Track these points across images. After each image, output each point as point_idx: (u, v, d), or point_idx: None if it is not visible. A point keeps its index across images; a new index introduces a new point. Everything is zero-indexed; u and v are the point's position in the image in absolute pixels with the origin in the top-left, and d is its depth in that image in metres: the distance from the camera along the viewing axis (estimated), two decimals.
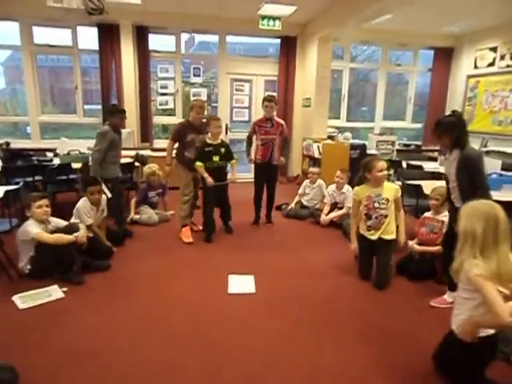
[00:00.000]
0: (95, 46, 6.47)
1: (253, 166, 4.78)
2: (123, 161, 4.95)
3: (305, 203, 5.33)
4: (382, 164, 3.17)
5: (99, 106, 6.69)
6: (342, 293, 3.15)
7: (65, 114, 7.04)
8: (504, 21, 6.62)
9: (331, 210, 4.96)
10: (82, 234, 3.26)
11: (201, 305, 2.87)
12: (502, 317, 1.62)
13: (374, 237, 3.25)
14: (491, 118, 7.09)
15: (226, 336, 2.49)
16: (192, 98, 7.13)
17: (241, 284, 3.21)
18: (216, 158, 4.07)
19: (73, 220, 3.48)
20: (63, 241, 3.06)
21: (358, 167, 6.76)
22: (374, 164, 3.15)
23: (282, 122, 4.64)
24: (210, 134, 4.10)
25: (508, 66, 6.73)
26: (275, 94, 7.47)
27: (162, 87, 7.05)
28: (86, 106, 6.88)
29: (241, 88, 7.45)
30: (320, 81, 6.79)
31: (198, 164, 3.99)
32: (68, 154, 5.17)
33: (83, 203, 3.56)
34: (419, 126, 8.48)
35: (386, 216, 3.20)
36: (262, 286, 3.21)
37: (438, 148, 7.87)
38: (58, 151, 5.36)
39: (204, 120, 4.18)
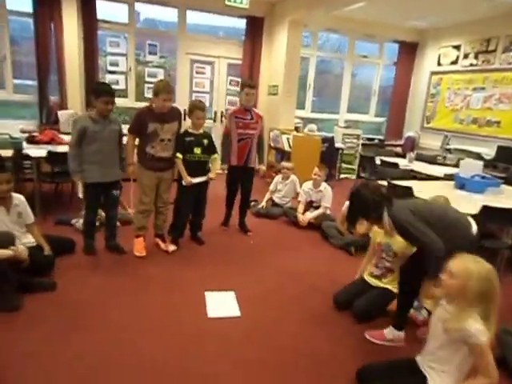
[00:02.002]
0: (29, 8, 5.42)
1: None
2: (61, 149, 4.17)
3: (276, 200, 4.90)
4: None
5: (34, 82, 5.67)
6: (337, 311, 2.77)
7: None
8: (468, 19, 6.63)
9: (306, 209, 4.58)
10: (21, 248, 2.51)
11: (175, 334, 2.33)
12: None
13: (372, 283, 2.87)
14: (453, 115, 7.14)
15: (211, 375, 1.99)
16: (148, 79, 6.35)
17: (221, 304, 2.70)
18: (198, 151, 3.38)
19: None
20: None
21: (326, 161, 6.70)
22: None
23: (261, 114, 3.98)
24: (191, 124, 3.41)
25: (472, 65, 6.77)
26: (239, 79, 6.92)
27: (111, 64, 6.16)
28: (15, 81, 5.81)
29: (201, 71, 6.77)
30: (289, 68, 6.34)
31: (178, 156, 3.32)
32: None
33: None
34: (382, 119, 8.40)
35: (390, 270, 2.80)
36: (246, 305, 2.73)
37: (400, 143, 7.89)
38: None
39: (171, 107, 3.28)
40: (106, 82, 6.11)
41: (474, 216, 3.11)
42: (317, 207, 4.56)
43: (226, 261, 3.46)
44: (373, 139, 7.99)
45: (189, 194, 3.48)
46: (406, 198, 3.67)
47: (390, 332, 2.44)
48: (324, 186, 4.53)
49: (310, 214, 4.47)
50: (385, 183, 4.06)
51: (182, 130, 3.42)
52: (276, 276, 3.27)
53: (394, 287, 2.70)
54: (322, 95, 8.93)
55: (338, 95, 7.95)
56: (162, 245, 3.54)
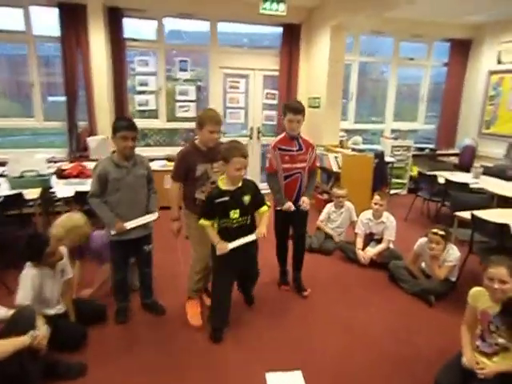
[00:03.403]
0: (56, 31, 5.11)
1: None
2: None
3: (329, 232, 4.31)
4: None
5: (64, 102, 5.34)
6: None
7: (18, 118, 5.60)
8: None
9: (365, 244, 3.97)
10: (42, 333, 2.06)
11: None
12: None
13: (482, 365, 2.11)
14: None
15: None
16: (179, 97, 5.92)
17: None
18: (235, 214, 2.44)
19: (20, 299, 2.22)
20: (8, 349, 1.87)
21: (377, 178, 6.04)
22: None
23: (311, 141, 3.18)
24: (224, 176, 2.47)
25: None
26: (276, 91, 6.39)
27: (141, 84, 5.78)
28: (50, 99, 5.54)
29: (235, 85, 6.29)
30: (332, 77, 5.74)
31: (204, 223, 2.45)
32: (21, 176, 3.85)
33: (30, 269, 2.33)
34: (432, 127, 7.62)
35: (506, 349, 2.12)
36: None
37: (453, 152, 7.09)
38: (6, 172, 4.01)
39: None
40: (136, 102, 5.79)
41: None
42: (378, 240, 3.94)
43: (282, 326, 2.84)
44: (423, 149, 7.24)
45: (228, 267, 2.53)
46: (500, 238, 3.03)
47: None
48: (386, 216, 3.91)
49: (372, 250, 3.85)
50: (464, 214, 3.41)
51: (211, 189, 2.57)
52: (343, 339, 2.69)
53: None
54: (362, 102, 8.27)
55: (379, 102, 7.25)
56: (207, 300, 2.99)
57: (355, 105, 6.93)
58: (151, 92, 5.84)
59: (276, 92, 6.39)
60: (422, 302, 3.21)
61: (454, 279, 3.27)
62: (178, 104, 5.98)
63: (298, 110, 2.95)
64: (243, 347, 2.58)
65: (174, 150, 5.87)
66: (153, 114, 5.96)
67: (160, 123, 6.02)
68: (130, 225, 2.59)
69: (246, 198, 2.47)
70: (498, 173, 5.50)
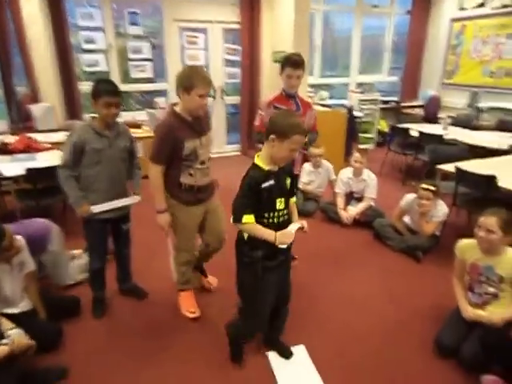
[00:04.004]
0: None
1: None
2: (44, 163, 3.24)
3: (315, 193, 4.14)
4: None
5: None
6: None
7: None
8: None
9: (346, 203, 3.87)
10: (17, 340, 1.74)
11: None
12: None
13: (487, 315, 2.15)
14: (481, 68, 6.32)
15: None
16: (132, 56, 5.31)
17: (293, 368, 2.03)
18: (281, 204, 1.78)
19: None
20: None
21: (347, 134, 5.91)
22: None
23: (309, 100, 2.90)
24: (264, 153, 1.75)
25: (504, 6, 5.87)
26: (238, 46, 5.93)
27: (86, 41, 5.11)
28: None
29: (193, 40, 5.74)
30: (299, 28, 5.36)
31: (248, 221, 1.70)
32: None
33: None
34: (396, 79, 7.53)
35: (495, 295, 2.13)
36: (324, 364, 2.07)
37: (418, 104, 7.09)
38: None
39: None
40: (83, 63, 5.14)
41: None
42: (358, 199, 3.85)
43: None
44: (388, 102, 7.17)
45: (272, 284, 1.87)
46: (486, 189, 3.01)
47: None
48: (367, 173, 3.80)
49: (355, 209, 3.75)
50: (446, 167, 3.36)
51: (253, 171, 1.77)
52: (340, 307, 2.60)
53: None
54: (326, 56, 7.98)
55: (343, 54, 7.00)
56: (205, 280, 2.71)
57: (320, 58, 6.64)
58: (100, 51, 5.20)
59: (238, 47, 5.93)
60: (410, 258, 3.19)
61: (438, 233, 3.26)
62: (131, 63, 5.39)
63: (298, 63, 2.52)
64: None
65: (132, 116, 5.41)
66: (104, 76, 5.34)
67: None
68: (98, 208, 2.23)
69: (288, 182, 1.83)
70: (463, 123, 5.56)
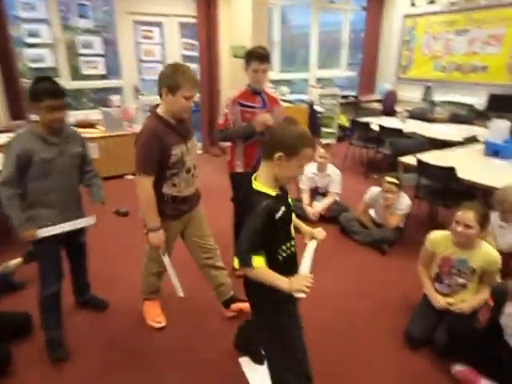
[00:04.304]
0: None
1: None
2: None
3: None
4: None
5: None
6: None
7: None
8: None
9: (311, 199, 3.85)
10: None
11: None
12: None
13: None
14: (433, 63, 6.55)
15: None
16: (83, 51, 4.99)
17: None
18: (293, 231, 1.57)
19: None
20: None
21: (310, 129, 5.89)
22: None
23: (276, 96, 2.71)
24: (265, 174, 1.44)
25: (453, 4, 6.11)
26: (195, 41, 5.76)
27: (30, 35, 4.73)
28: None
29: (149, 35, 5.51)
30: (257, 23, 5.29)
31: (259, 265, 1.37)
32: None
33: None
34: (354, 73, 7.66)
35: (463, 286, 2.18)
36: None
37: (376, 98, 7.24)
38: None
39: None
40: (26, 58, 4.77)
41: None
42: (323, 194, 3.85)
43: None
44: (346, 96, 7.28)
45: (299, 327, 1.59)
46: (446, 180, 3.08)
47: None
48: (331, 168, 3.80)
49: (320, 205, 3.74)
50: (408, 160, 3.41)
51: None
52: (309, 304, 2.56)
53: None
54: (285, 51, 7.98)
55: (301, 50, 7.02)
56: (246, 306, 2.08)
57: (279, 53, 6.61)
58: (46, 45, 4.84)
59: (195, 42, 5.76)
60: (376, 251, 3.22)
61: (402, 225, 3.31)
62: (82, 59, 5.07)
63: (264, 56, 2.38)
64: (205, 334, 2.31)
65: (85, 115, 5.10)
66: (52, 73, 4.98)
67: (63, 83, 5.07)
68: (46, 232, 1.95)
69: (291, 202, 1.57)
70: (419, 116, 5.74)
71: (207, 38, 5.70)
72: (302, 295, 1.35)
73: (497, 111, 5.42)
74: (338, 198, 3.82)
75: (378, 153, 5.00)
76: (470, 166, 3.22)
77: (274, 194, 1.40)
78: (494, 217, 2.49)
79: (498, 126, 3.55)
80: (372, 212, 3.45)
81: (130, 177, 5.02)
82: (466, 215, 2.06)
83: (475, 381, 1.89)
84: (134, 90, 5.54)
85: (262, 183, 1.41)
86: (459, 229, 2.08)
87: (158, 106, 1.95)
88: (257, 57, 2.38)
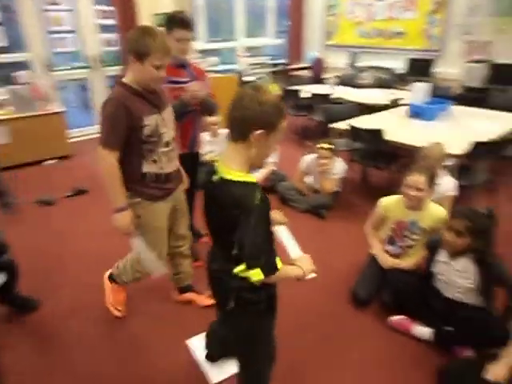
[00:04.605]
0: None
1: None
2: None
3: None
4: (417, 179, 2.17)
5: None
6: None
7: None
8: None
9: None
10: None
11: None
12: None
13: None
14: (357, 29, 6.70)
15: None
16: None
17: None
18: None
19: None
20: None
21: None
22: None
23: (202, 67, 2.56)
24: (243, 158, 1.18)
25: None
26: (110, 7, 5.25)
27: None
28: None
29: (54, 0, 4.91)
30: None
31: (280, 264, 1.19)
32: None
33: None
34: (281, 41, 7.58)
35: (412, 247, 2.29)
36: None
37: (305, 66, 7.27)
38: None
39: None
40: None
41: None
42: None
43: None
44: (276, 64, 7.22)
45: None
46: (376, 143, 3.19)
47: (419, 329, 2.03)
48: None
49: (258, 175, 3.69)
50: (340, 125, 3.47)
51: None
52: None
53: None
54: (210, 19, 7.64)
55: (226, 17, 6.75)
56: (198, 299, 2.24)
57: (205, 21, 6.30)
58: None
59: (111, 8, 5.26)
60: (315, 217, 3.28)
61: (339, 189, 3.40)
62: None
63: (188, 22, 2.11)
64: (161, 323, 2.20)
65: None
66: None
67: None
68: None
69: None
70: (347, 81, 5.88)
71: (124, 4, 5.22)
72: (314, 274, 1.33)
73: (416, 75, 5.74)
74: (275, 168, 3.81)
75: (311, 120, 5.05)
76: (396, 127, 3.36)
77: (254, 180, 1.16)
78: None
79: (419, 88, 3.73)
80: (309, 179, 3.49)
81: (49, 162, 4.58)
82: (417, 178, 2.14)
83: (409, 327, 2.03)
84: (44, 65, 4.96)
85: (238, 170, 1.15)
86: (412, 193, 2.16)
87: (122, 76, 1.75)
88: (180, 23, 2.10)
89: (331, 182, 3.26)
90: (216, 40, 6.68)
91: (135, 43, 1.62)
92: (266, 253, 1.14)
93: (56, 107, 4.64)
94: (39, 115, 4.42)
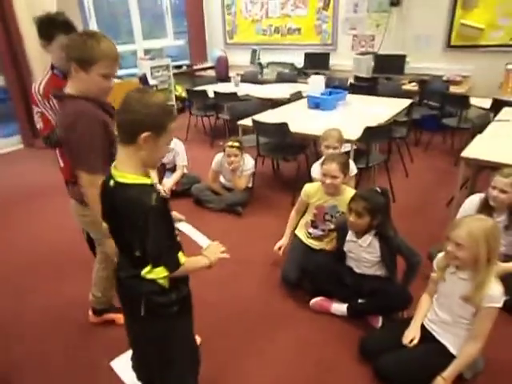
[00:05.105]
0: None
1: None
2: None
3: None
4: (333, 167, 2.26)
5: None
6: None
7: None
8: None
9: (161, 176, 3.67)
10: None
11: None
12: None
13: (315, 246, 2.47)
14: (255, 27, 6.86)
15: None
16: None
17: None
18: None
19: None
20: None
21: None
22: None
23: None
24: (134, 160, 1.17)
25: None
26: None
27: None
28: None
29: None
30: None
31: (183, 258, 1.22)
32: None
33: None
34: (182, 42, 7.47)
35: (331, 230, 2.40)
36: None
37: (209, 66, 7.26)
38: None
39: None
40: None
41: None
42: (172, 169, 3.72)
43: None
44: (180, 66, 7.10)
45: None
46: (282, 136, 3.29)
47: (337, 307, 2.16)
48: (174, 141, 3.64)
49: (169, 181, 3.60)
50: (245, 122, 3.52)
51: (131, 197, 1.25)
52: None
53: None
54: (103, 21, 7.22)
55: (123, 19, 6.45)
56: (117, 316, 2.06)
57: (95, 23, 5.93)
58: None
59: None
60: (232, 214, 3.30)
61: (251, 185, 3.46)
62: None
63: (70, 25, 1.91)
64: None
65: None
66: None
67: None
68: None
69: None
70: (250, 78, 6.00)
71: None
72: (226, 255, 1.36)
73: (313, 68, 6.08)
74: (186, 171, 3.75)
75: (219, 119, 5.06)
76: (298, 119, 3.51)
77: (149, 182, 1.17)
78: (317, 165, 2.73)
79: (315, 80, 3.95)
80: (222, 179, 3.49)
81: None
82: (331, 167, 2.23)
83: (328, 306, 2.15)
84: None
85: (132, 173, 1.14)
86: (328, 181, 2.26)
87: (60, 89, 1.58)
88: (64, 27, 1.86)
89: (243, 178, 3.30)
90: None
91: (78, 50, 1.47)
92: (167, 250, 1.16)
93: None
94: None
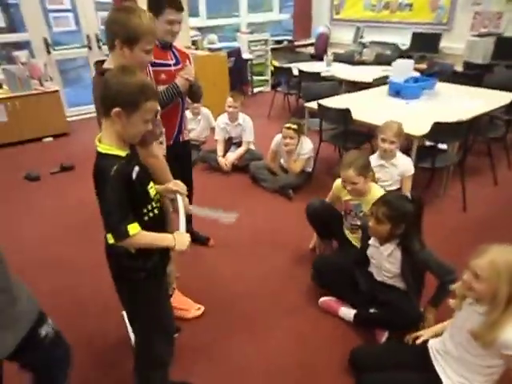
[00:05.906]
0: None
1: None
2: None
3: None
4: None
5: None
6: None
7: None
8: None
9: (226, 149, 3.83)
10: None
11: None
12: None
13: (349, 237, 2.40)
14: (363, 2, 6.40)
15: None
16: None
17: None
18: (153, 190, 1.41)
19: None
20: None
21: (235, 78, 5.74)
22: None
23: (186, 51, 2.31)
24: (109, 131, 1.25)
25: None
26: None
27: None
28: None
29: None
30: None
31: (135, 232, 1.23)
32: None
33: None
34: (287, 16, 7.38)
35: (359, 227, 2.28)
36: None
37: (311, 42, 7.08)
38: None
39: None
40: None
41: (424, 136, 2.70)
42: (238, 144, 3.84)
43: None
44: (281, 41, 7.06)
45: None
46: (344, 122, 3.11)
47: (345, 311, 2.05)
48: (243, 117, 3.76)
49: (233, 155, 3.74)
50: (312, 104, 3.41)
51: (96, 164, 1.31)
52: (215, 253, 2.63)
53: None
54: None
55: None
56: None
57: None
58: None
59: None
60: (283, 197, 3.29)
61: (309, 170, 3.38)
62: None
63: (180, 3, 1.98)
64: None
65: None
66: None
67: None
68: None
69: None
70: (347, 58, 5.69)
71: None
72: (183, 249, 1.34)
73: (419, 50, 5.48)
74: (252, 147, 3.83)
75: (300, 98, 4.97)
76: (370, 106, 3.26)
77: (123, 154, 1.23)
78: (374, 159, 2.56)
79: (401, 65, 3.57)
80: (282, 160, 3.48)
81: (48, 139, 4.80)
82: (347, 174, 2.11)
83: (336, 309, 2.06)
84: (44, 44, 5.11)
85: (107, 144, 1.22)
86: (348, 188, 2.17)
87: (102, 62, 1.62)
88: (174, 4, 1.94)
89: (299, 162, 3.24)
90: (217, 16, 6.60)
91: (123, 27, 1.48)
92: (115, 219, 1.21)
93: (52, 86, 4.80)
94: (35, 94, 4.60)
